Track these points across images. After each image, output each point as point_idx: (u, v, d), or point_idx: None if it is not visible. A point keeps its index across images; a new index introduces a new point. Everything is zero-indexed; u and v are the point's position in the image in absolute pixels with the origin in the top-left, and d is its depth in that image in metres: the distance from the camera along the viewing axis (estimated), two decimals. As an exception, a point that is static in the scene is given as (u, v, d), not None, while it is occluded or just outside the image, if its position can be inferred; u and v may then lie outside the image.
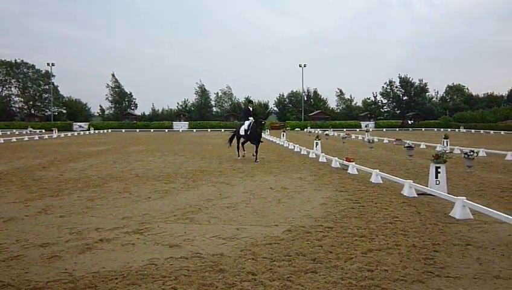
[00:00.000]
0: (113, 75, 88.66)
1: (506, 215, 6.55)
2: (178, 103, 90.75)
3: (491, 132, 52.35)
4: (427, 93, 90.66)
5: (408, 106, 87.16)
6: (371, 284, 4.50)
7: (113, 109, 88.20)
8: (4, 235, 6.52)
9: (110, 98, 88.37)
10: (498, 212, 6.79)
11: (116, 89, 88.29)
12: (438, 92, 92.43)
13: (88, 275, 4.86)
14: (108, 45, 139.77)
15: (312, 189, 10.74)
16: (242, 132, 17.94)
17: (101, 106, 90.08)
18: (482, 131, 54.26)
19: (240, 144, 18.64)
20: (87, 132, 59.56)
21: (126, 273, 4.88)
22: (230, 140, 19.63)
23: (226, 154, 20.85)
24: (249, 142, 18.26)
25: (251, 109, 18.97)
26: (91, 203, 8.96)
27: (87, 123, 72.42)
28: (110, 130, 65.67)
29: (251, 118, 17.82)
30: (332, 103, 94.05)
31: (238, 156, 18.54)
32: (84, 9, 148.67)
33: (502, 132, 50.28)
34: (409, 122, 71.16)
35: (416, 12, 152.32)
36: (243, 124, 18.05)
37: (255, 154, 17.72)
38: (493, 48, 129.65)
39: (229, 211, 8.24)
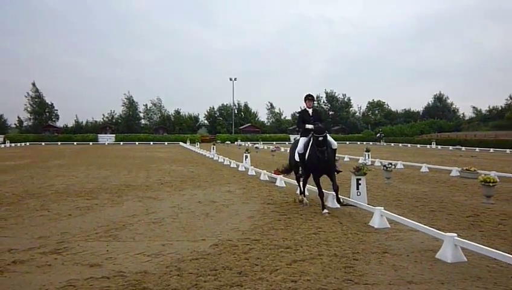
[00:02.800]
0: (33, 84, 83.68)
1: (419, 224, 7.06)
2: (104, 115, 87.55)
3: (409, 145, 56.15)
4: (351, 108, 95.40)
5: (334, 120, 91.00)
6: (294, 294, 4.61)
7: (32, 121, 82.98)
8: None
9: (29, 109, 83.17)
10: (412, 221, 7.29)
11: (37, 100, 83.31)
12: (360, 107, 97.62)
13: (-3, 300, 4.51)
14: (26, 52, 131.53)
15: (240, 202, 10.81)
16: (297, 157, 10.04)
17: (19, 117, 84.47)
18: (400, 144, 57.94)
19: (301, 180, 10.62)
20: (2, 145, 55.43)
21: (41, 296, 4.58)
22: (286, 171, 12.16)
23: (153, 168, 20.38)
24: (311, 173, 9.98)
25: (310, 111, 10.10)
26: (4, 223, 8.32)
27: (3, 136, 67.42)
28: (28, 143, 61.68)
29: (310, 127, 9.58)
30: (263, 116, 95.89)
31: (301, 202, 10.53)
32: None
33: (418, 145, 54.11)
34: (381, 135, 68.62)
35: (337, 30, 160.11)
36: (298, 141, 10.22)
37: (334, 193, 9.84)
38: (407, 66, 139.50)
39: (155, 226, 8.05)
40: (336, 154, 10.17)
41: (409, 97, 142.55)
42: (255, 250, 6.40)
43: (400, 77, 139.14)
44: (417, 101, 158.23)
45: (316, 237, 7.18)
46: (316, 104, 12.50)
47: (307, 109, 10.05)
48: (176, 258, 5.99)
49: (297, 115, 11.34)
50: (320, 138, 8.91)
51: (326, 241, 6.84)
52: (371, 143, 60.55)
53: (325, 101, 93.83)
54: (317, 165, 9.26)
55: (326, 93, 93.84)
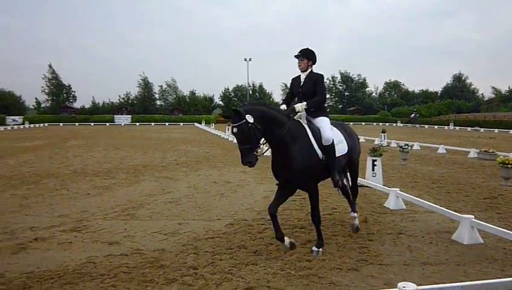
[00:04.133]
0: (50, 66, 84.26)
1: (435, 205, 7.01)
2: (120, 96, 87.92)
3: (426, 126, 55.39)
4: (367, 89, 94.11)
5: (349, 101, 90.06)
6: (308, 273, 4.67)
7: (50, 102, 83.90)
8: None
9: (46, 91, 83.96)
10: (428, 203, 7.25)
11: (54, 81, 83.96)
12: (377, 87, 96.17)
13: (22, 275, 4.67)
14: (43, 35, 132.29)
15: (255, 183, 10.87)
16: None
17: (36, 99, 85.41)
18: (417, 125, 57.19)
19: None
20: (22, 126, 56.38)
21: (62, 272, 4.73)
22: None
23: (168, 149, 20.56)
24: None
25: (303, 77, 5.91)
26: (25, 201, 8.53)
27: (22, 117, 68.48)
28: (46, 124, 62.56)
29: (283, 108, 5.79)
30: (278, 97, 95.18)
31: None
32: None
33: (436, 126, 53.33)
34: (417, 116, 62.49)
35: (353, 8, 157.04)
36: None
37: (352, 210, 6.60)
38: (425, 45, 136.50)
39: (171, 206, 8.17)
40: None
41: (427, 77, 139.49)
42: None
43: (417, 56, 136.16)
44: (435, 81, 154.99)
45: (330, 217, 7.21)
46: (315, 71, 5.89)
47: (301, 74, 5.95)
48: (192, 237, 6.09)
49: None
50: (235, 130, 4.92)
51: (341, 222, 6.86)
52: (386, 124, 59.87)
53: (340, 81, 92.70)
54: (275, 172, 5.53)
55: (341, 73, 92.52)
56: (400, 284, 3.02)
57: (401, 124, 61.79)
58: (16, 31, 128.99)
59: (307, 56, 5.85)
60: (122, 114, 74.79)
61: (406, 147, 15.29)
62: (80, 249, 5.61)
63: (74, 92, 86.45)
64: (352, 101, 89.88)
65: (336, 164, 5.59)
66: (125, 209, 7.89)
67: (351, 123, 68.87)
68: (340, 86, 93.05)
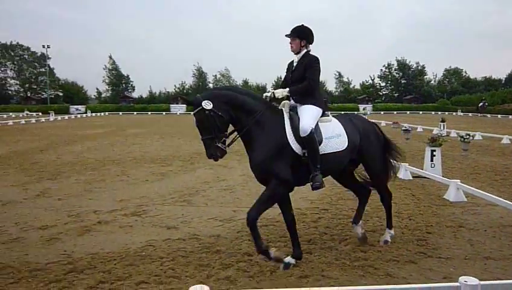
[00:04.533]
0: (110, 57, 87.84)
1: (499, 198, 6.65)
2: (175, 86, 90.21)
3: (488, 115, 52.44)
4: (425, 76, 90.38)
5: (406, 89, 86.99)
6: (364, 264, 4.61)
7: (110, 92, 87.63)
8: (3, 218, 6.59)
9: (107, 81, 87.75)
10: (491, 195, 6.89)
11: (114, 72, 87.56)
12: (436, 75, 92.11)
13: (87, 256, 4.96)
14: (104, 26, 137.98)
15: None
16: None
17: (97, 89, 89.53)
18: (479, 115, 54.34)
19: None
20: (84, 115, 59.38)
21: (124, 254, 4.97)
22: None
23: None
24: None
25: (296, 60, 5.07)
26: (89, 186, 9.02)
27: (84, 106, 72.07)
28: (107, 113, 65.47)
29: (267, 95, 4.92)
30: (331, 86, 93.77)
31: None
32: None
33: (499, 116, 50.39)
34: (485, 105, 56.89)
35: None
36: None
37: (354, 222, 5.53)
38: (489, 30, 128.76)
39: (226, 193, 8.33)
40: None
41: (491, 64, 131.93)
42: (324, 219, 6.43)
43: (480, 43, 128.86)
44: (500, 68, 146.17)
45: (386, 208, 7.04)
46: (309, 50, 4.97)
47: (294, 57, 5.11)
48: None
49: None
50: (194, 119, 4.48)
51: (397, 214, 6.69)
52: (446, 113, 57.32)
53: (396, 69, 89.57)
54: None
55: (398, 60, 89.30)
56: (462, 279, 2.90)
57: (461, 113, 58.85)
58: (80, 24, 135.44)
59: (298, 35, 4.97)
60: (177, 103, 76.59)
61: (467, 136, 14.59)
62: (140, 232, 5.86)
63: (132, 82, 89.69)
64: (410, 89, 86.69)
65: (318, 161, 4.56)
66: (182, 195, 8.14)
67: (408, 112, 66.84)
68: (396, 73, 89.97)
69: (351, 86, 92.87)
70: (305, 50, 4.98)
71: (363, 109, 64.27)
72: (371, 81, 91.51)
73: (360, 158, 5.26)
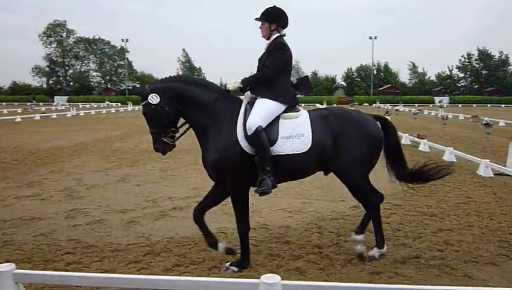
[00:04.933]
0: (183, 50, 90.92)
1: None
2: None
3: None
4: (509, 67, 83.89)
5: (487, 81, 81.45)
6: (440, 263, 4.42)
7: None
8: (88, 201, 7.10)
9: (180, 73, 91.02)
10: None
11: (187, 64, 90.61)
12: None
13: (163, 240, 5.21)
14: (178, 22, 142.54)
15: (380, 166, 10.42)
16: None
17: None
18: None
19: None
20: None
21: (198, 239, 5.16)
22: None
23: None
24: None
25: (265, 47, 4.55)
26: (164, 174, 9.45)
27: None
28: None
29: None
30: (404, 77, 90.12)
31: None
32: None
33: None
34: None
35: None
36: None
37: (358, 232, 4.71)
38: None
39: (295, 185, 8.29)
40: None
41: None
42: (397, 215, 6.24)
43: None
44: None
45: (465, 206, 6.68)
46: (283, 35, 4.44)
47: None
48: (316, 217, 6.16)
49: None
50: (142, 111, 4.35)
51: (477, 212, 6.32)
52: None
53: (477, 59, 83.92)
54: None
55: (479, 50, 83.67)
56: None
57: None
58: (156, 18, 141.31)
59: (267, 18, 4.42)
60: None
61: (559, 132, 13.38)
62: (212, 219, 6.02)
63: (204, 74, 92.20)
64: (491, 80, 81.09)
65: (267, 164, 4.07)
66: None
67: (489, 105, 62.53)
68: (476, 64, 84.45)
69: (426, 77, 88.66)
70: (277, 34, 4.45)
71: (439, 102, 61.13)
72: (448, 72, 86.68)
73: (331, 166, 4.47)
